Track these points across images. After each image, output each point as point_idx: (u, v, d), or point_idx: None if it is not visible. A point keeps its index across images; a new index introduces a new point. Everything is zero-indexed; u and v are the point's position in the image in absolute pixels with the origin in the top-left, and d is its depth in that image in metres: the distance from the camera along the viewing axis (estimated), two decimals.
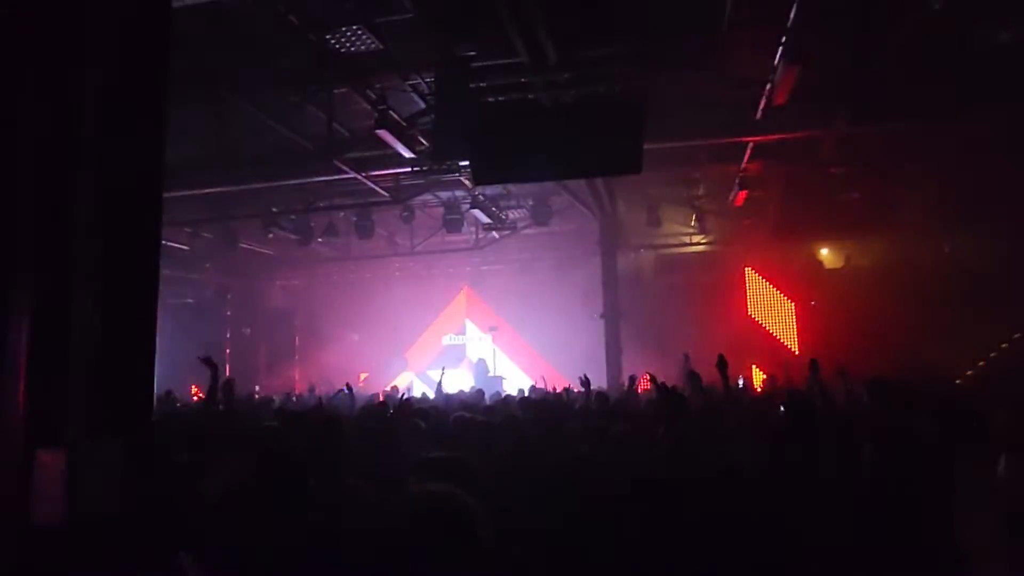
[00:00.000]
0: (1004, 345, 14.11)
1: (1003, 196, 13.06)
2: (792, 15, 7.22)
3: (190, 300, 19.84)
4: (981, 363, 13.69)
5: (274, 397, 12.98)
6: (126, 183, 2.02)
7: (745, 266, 17.95)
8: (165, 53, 2.19)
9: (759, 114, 9.40)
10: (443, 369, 12.19)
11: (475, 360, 18.30)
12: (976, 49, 8.21)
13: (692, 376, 5.80)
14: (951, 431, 3.30)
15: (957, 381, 11.22)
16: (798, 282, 17.34)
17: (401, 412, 5.43)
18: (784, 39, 7.45)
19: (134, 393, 2.00)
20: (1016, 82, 8.76)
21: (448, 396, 10.99)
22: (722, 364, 5.38)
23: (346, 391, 9.80)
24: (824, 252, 17.63)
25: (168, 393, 10.38)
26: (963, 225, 13.92)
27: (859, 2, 7.77)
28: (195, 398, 11.64)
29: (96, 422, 1.87)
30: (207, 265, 18.95)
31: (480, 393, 11.32)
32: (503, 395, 11.17)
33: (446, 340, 21.02)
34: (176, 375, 14.65)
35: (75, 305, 1.88)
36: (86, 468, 1.78)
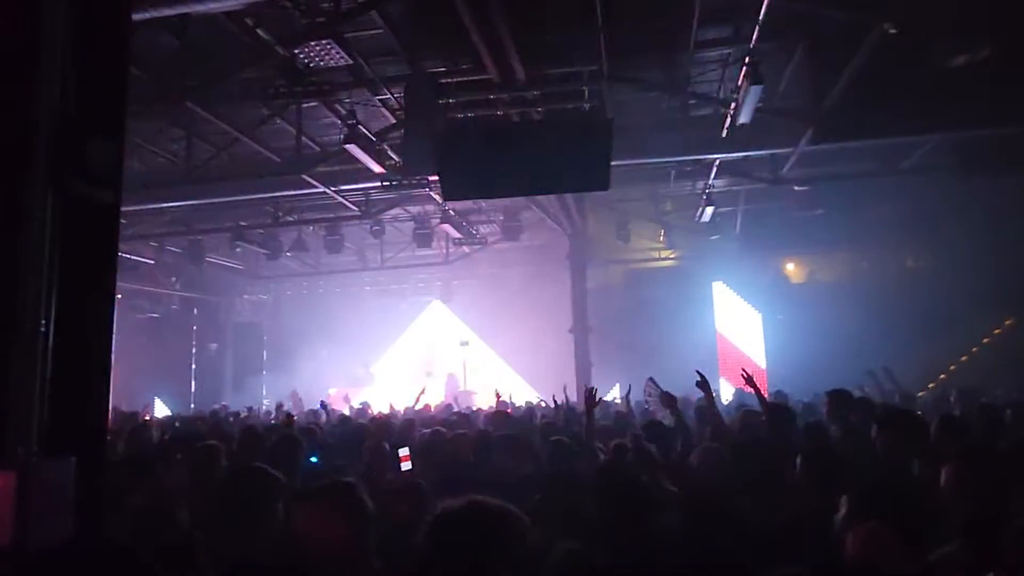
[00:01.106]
0: (963, 358, 14.48)
1: (960, 214, 13.48)
2: (755, 37, 7.39)
3: (155, 315, 19.50)
4: (941, 376, 14.02)
5: (240, 412, 12.80)
6: (81, 198, 2.00)
7: (713, 281, 18.20)
8: (124, 68, 2.18)
9: (724, 132, 9.57)
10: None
11: (445, 375, 18.24)
12: (933, 69, 8.46)
13: (667, 398, 5.78)
14: (892, 439, 3.40)
15: (920, 393, 11.47)
16: (765, 296, 17.61)
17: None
18: (747, 59, 7.61)
19: (88, 411, 1.97)
20: (970, 104, 9.05)
21: (419, 412, 10.94)
22: (705, 384, 5.42)
23: (320, 408, 9.94)
24: (790, 267, 17.96)
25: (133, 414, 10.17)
26: (923, 242, 14.29)
27: (819, 23, 7.98)
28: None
29: (49, 442, 1.83)
30: (173, 279, 18.67)
31: (449, 408, 11.29)
32: (474, 409, 11.15)
33: (415, 355, 20.92)
34: (140, 390, 14.41)
35: (26, 322, 1.85)
36: (38, 489, 1.75)
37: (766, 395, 5.97)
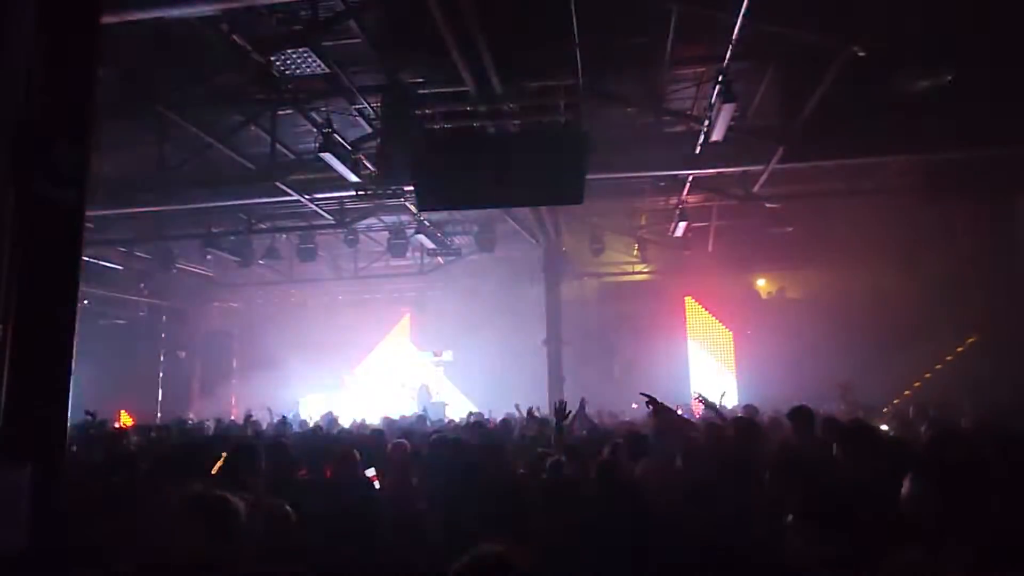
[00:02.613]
0: (927, 375, 14.76)
1: (925, 234, 13.80)
2: (727, 56, 7.52)
3: (122, 321, 19.16)
4: (906, 392, 14.26)
5: (206, 423, 12.61)
6: (44, 200, 1.97)
7: (685, 295, 18.39)
8: (92, 71, 2.16)
9: (697, 149, 9.71)
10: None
11: (418, 385, 18.15)
12: (899, 92, 8.69)
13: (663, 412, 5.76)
14: (852, 451, 3.48)
15: (884, 410, 11.68)
16: (736, 311, 17.83)
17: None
18: (720, 78, 7.74)
19: (47, 417, 1.93)
20: (934, 127, 9.30)
21: (391, 422, 10.88)
22: (655, 403, 5.46)
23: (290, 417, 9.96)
24: (760, 283, 18.21)
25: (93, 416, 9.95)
26: (890, 261, 14.57)
27: (790, 45, 8.15)
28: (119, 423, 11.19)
29: (4, 448, 1.80)
30: (141, 285, 18.37)
31: (422, 419, 11.24)
32: (445, 420, 11.11)
33: (388, 364, 20.79)
34: (105, 396, 14.11)
35: None
36: None
37: (735, 409, 6.04)
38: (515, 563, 1.88)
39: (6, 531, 1.76)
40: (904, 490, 2.34)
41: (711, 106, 8.37)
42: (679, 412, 6.23)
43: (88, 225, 2.12)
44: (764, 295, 18.16)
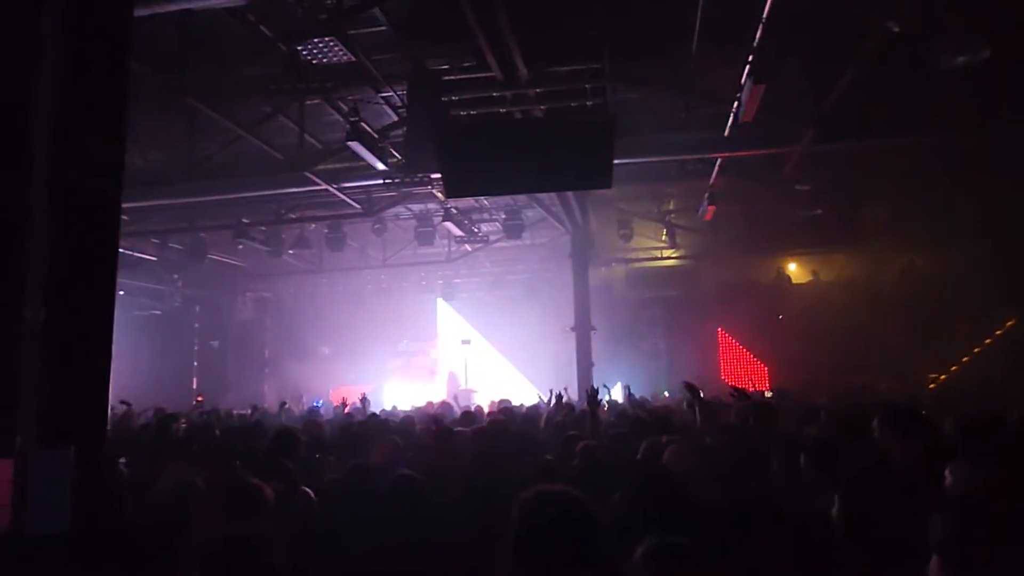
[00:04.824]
0: (964, 359, 14.46)
1: (963, 211, 13.46)
2: (757, 35, 7.38)
3: (157, 312, 19.53)
4: (942, 376, 14.00)
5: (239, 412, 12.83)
6: (82, 195, 2.01)
7: (714, 279, 18.19)
8: (125, 62, 2.19)
9: (727, 131, 9.56)
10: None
11: (447, 373, 18.26)
12: (935, 70, 8.45)
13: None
14: (893, 431, 3.42)
15: (933, 385, 11.46)
16: (766, 296, 17.61)
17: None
18: (750, 58, 7.60)
19: (88, 402, 1.97)
20: (973, 103, 9.04)
21: (418, 409, 10.98)
22: (693, 390, 5.43)
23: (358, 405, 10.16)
24: (792, 267, 17.95)
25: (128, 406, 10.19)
26: (923, 242, 14.27)
27: (821, 22, 7.97)
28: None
29: (47, 432, 1.84)
30: (175, 276, 18.69)
31: (448, 406, 11.30)
32: (473, 407, 11.15)
33: (418, 353, 20.92)
34: (141, 386, 14.42)
35: (27, 316, 1.86)
36: (35, 478, 1.76)
37: (766, 393, 5.97)
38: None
39: (51, 513, 1.80)
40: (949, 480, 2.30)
41: (740, 87, 8.24)
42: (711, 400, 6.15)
43: (123, 217, 2.15)
44: (796, 279, 17.90)
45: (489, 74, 7.98)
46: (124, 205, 2.35)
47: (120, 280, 2.36)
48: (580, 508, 1.91)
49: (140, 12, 5.84)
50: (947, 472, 2.40)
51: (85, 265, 2.02)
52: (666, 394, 14.77)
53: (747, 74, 7.70)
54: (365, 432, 6.46)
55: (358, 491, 3.79)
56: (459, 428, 6.25)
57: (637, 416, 6.94)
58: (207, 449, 4.85)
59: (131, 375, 13.23)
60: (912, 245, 14.56)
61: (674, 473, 3.18)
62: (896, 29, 6.96)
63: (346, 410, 10.76)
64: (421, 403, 12.76)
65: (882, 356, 12.26)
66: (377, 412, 11.34)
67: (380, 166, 9.57)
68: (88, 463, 1.88)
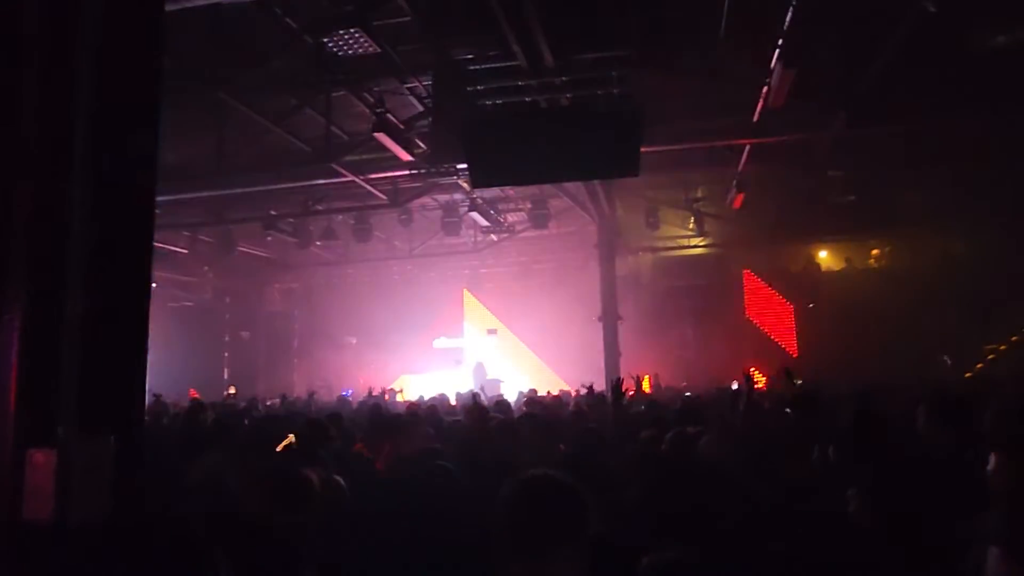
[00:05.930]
0: (1002, 347, 14.14)
1: (1001, 198, 13.12)
2: (788, 19, 7.24)
3: (189, 303, 19.86)
4: (979, 365, 13.71)
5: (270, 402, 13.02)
6: (118, 186, 2.04)
7: (743, 268, 17.98)
8: (159, 54, 2.21)
9: (756, 117, 9.41)
10: None
11: (473, 363, 18.31)
12: (972, 52, 8.24)
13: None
14: (937, 418, 3.35)
15: (968, 374, 11.21)
16: (796, 284, 17.37)
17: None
18: (780, 42, 7.47)
19: (126, 392, 2.01)
20: (1012, 85, 8.78)
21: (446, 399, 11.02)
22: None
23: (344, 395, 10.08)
24: (822, 255, 17.68)
25: (157, 397, 10.42)
26: (961, 227, 13.95)
27: (854, 5, 7.79)
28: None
29: (88, 421, 1.88)
30: (206, 268, 18.97)
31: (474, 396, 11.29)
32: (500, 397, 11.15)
33: (444, 343, 21.01)
34: (174, 377, 14.69)
35: (67, 305, 1.90)
36: (77, 467, 1.80)
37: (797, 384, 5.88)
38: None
39: (91, 501, 1.83)
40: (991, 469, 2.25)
41: (771, 72, 8.10)
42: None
43: (155, 211, 2.19)
44: (827, 267, 17.62)
45: (514, 63, 7.93)
46: (157, 199, 2.38)
47: (153, 272, 2.39)
48: (561, 490, 1.79)
49: (170, 7, 5.91)
50: (990, 460, 2.35)
51: (123, 257, 2.05)
52: (683, 383, 14.64)
53: (777, 58, 7.56)
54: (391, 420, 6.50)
55: (392, 480, 3.81)
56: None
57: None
58: (240, 438, 4.92)
59: (165, 365, 13.48)
60: (951, 230, 14.21)
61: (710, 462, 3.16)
62: (932, 9, 6.78)
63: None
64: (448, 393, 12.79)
65: (927, 341, 11.96)
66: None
67: (406, 157, 9.59)
68: (127, 452, 1.91)
